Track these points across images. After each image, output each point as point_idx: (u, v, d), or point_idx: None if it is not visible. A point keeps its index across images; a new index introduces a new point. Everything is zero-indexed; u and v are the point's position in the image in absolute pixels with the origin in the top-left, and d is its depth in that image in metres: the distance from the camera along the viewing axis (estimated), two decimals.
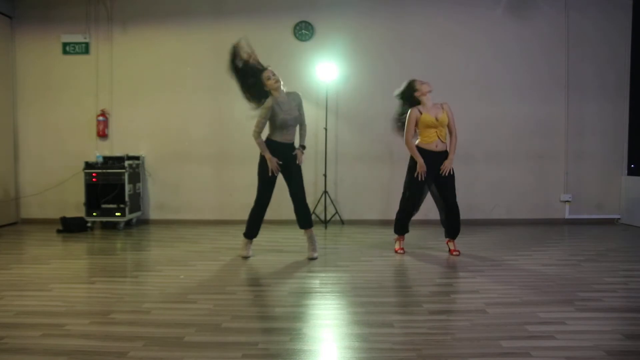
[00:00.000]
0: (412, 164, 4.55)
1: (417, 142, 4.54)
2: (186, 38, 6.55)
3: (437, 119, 4.42)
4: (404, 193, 4.66)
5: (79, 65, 6.57)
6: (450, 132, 4.54)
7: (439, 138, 4.47)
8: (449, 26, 6.53)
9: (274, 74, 4.26)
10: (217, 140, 6.59)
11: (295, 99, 4.36)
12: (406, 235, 4.81)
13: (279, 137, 4.33)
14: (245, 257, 4.47)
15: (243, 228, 4.54)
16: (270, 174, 4.30)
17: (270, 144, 4.33)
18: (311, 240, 4.48)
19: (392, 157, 6.51)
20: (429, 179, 4.54)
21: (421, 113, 4.44)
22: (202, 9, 6.55)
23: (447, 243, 4.74)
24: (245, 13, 6.52)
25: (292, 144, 4.42)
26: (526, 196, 6.62)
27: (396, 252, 4.70)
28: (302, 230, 4.52)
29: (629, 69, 6.53)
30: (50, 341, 2.50)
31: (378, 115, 6.55)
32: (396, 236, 4.81)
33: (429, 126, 4.44)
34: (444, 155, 4.52)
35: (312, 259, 4.41)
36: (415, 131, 4.54)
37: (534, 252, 4.76)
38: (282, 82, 4.31)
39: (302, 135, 4.49)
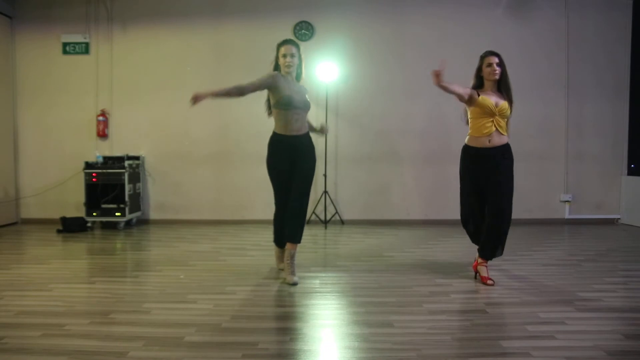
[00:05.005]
0: (461, 169, 3.67)
1: (466, 140, 3.67)
2: (186, 38, 6.56)
3: (496, 105, 3.53)
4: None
5: (79, 65, 6.57)
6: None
7: (497, 129, 3.51)
8: (449, 26, 6.53)
9: (292, 56, 3.62)
10: (217, 140, 6.59)
11: (304, 89, 3.78)
12: (404, 235, 4.69)
13: (284, 130, 3.58)
14: (281, 269, 3.93)
15: (242, 228, 4.54)
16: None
17: (273, 138, 3.63)
18: (292, 259, 3.64)
19: (392, 157, 6.52)
20: (478, 183, 3.61)
21: (479, 95, 3.55)
22: (202, 9, 6.54)
23: (475, 267, 3.71)
24: (246, 13, 6.52)
25: (303, 136, 3.63)
26: (526, 196, 6.60)
27: (484, 282, 3.58)
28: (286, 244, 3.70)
29: (629, 69, 6.53)
30: (50, 341, 2.50)
31: (378, 115, 6.56)
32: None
33: (485, 113, 3.52)
34: (501, 150, 3.54)
35: (293, 284, 3.56)
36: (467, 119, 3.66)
37: (534, 252, 4.76)
38: (294, 69, 3.68)
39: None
